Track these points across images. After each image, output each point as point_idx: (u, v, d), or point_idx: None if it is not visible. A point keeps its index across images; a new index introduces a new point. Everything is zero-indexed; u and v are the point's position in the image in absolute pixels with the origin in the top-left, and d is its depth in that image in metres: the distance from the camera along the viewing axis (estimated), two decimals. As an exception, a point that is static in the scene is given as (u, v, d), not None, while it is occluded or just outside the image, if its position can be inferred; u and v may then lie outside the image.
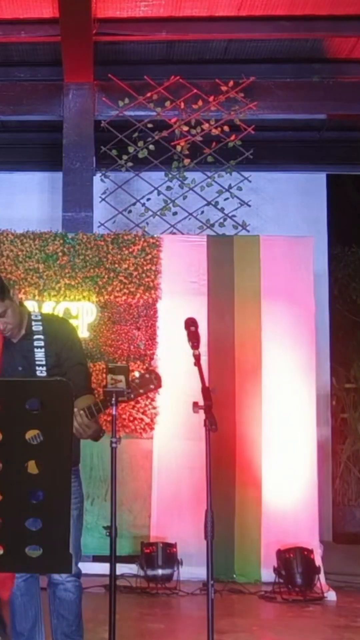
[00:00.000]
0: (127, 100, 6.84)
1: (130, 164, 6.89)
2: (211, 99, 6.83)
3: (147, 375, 3.34)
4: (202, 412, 3.40)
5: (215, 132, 6.88)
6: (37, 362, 3.43)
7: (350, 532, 7.98)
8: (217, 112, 6.89)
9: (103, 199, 6.98)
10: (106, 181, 7.04)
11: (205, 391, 3.43)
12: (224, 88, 6.83)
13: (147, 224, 6.84)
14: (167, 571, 5.67)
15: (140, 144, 6.86)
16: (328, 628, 4.98)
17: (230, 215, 6.92)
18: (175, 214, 6.92)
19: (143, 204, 6.94)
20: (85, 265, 6.26)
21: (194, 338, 3.61)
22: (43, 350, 3.45)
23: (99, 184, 7.02)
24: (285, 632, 4.88)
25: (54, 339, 3.48)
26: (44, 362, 3.43)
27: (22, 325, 3.49)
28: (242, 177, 6.91)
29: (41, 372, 3.41)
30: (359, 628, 4.96)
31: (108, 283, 6.23)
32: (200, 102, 6.83)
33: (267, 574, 5.76)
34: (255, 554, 5.94)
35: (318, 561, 5.74)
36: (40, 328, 3.50)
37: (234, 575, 5.88)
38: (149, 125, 6.86)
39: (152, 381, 3.33)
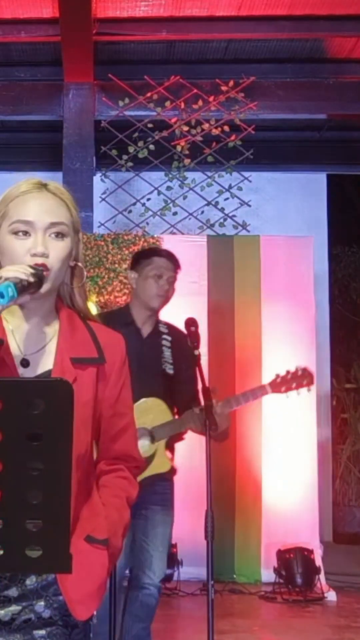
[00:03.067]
0: (127, 100, 6.83)
1: (130, 164, 6.88)
2: (211, 99, 6.82)
3: None
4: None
5: (215, 132, 6.88)
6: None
7: (351, 532, 7.97)
8: (217, 112, 6.89)
9: (103, 199, 6.98)
10: (106, 181, 7.04)
11: (205, 391, 3.43)
12: (224, 88, 6.82)
13: (147, 224, 6.83)
14: (167, 571, 5.66)
15: (140, 144, 6.86)
16: (328, 628, 4.98)
17: (230, 215, 6.92)
18: (175, 214, 6.91)
19: (143, 204, 6.93)
20: (85, 265, 6.23)
21: (194, 338, 3.61)
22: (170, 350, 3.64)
23: (99, 184, 7.02)
24: (285, 632, 4.88)
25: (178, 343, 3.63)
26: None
27: None
28: (242, 177, 6.91)
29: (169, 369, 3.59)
30: (359, 628, 4.95)
31: (108, 283, 6.23)
32: (200, 102, 6.82)
33: (267, 574, 5.76)
34: (255, 554, 5.94)
35: (318, 561, 5.74)
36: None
37: (234, 576, 5.88)
38: (149, 125, 6.85)
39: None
